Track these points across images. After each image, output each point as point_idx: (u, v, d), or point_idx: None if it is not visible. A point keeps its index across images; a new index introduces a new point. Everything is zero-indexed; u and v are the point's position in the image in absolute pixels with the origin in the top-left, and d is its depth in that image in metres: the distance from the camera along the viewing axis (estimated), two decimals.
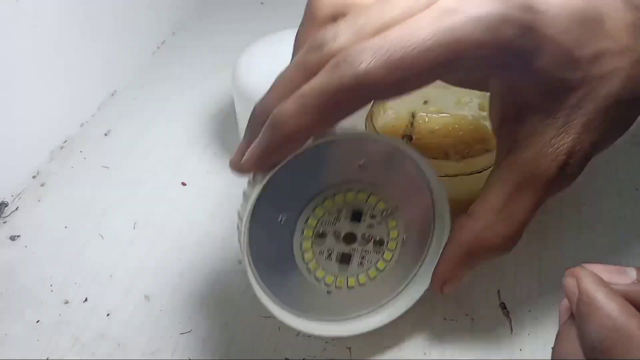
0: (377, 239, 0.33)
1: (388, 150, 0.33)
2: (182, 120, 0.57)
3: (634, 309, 0.23)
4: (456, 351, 0.37)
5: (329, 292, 0.33)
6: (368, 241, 0.33)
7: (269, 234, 0.32)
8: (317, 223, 0.32)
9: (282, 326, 0.39)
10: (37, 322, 0.40)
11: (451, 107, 0.52)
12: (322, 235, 0.32)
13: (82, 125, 0.56)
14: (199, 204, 0.48)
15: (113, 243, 0.45)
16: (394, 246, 0.34)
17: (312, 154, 0.30)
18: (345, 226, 0.32)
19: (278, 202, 0.31)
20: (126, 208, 0.48)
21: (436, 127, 0.51)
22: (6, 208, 0.48)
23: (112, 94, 0.60)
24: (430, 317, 0.39)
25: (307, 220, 0.32)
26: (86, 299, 0.41)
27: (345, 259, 0.33)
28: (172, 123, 0.56)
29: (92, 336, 0.39)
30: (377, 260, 0.33)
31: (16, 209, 0.48)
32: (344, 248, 0.33)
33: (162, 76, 0.63)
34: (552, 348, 0.27)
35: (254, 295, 0.32)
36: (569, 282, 0.25)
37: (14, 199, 0.49)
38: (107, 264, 0.43)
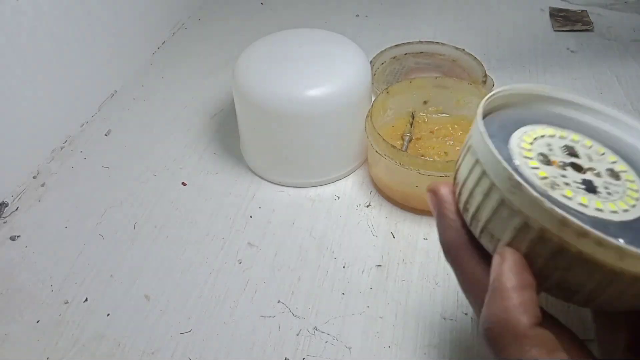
0: (607, 170, 0.29)
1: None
2: (182, 120, 0.57)
3: None
4: (456, 351, 0.37)
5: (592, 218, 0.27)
6: (596, 173, 0.29)
7: None
8: (531, 147, 0.29)
9: (281, 326, 0.39)
10: (37, 322, 0.40)
11: (451, 107, 0.52)
12: (545, 162, 0.29)
13: (82, 125, 0.56)
14: (199, 204, 0.48)
15: (113, 243, 0.45)
16: (632, 177, 0.29)
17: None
18: (564, 157, 0.29)
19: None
20: (126, 208, 0.48)
21: (436, 127, 0.51)
22: (6, 208, 0.48)
23: (112, 94, 0.60)
24: (430, 317, 0.39)
25: (519, 144, 0.29)
26: (86, 299, 0.41)
27: (588, 185, 0.28)
28: (172, 123, 0.56)
29: (92, 336, 0.39)
30: (625, 190, 0.28)
31: (16, 209, 0.48)
32: (579, 176, 0.28)
33: (162, 76, 0.63)
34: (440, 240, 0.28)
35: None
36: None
37: (14, 199, 0.49)
38: (107, 264, 0.43)
